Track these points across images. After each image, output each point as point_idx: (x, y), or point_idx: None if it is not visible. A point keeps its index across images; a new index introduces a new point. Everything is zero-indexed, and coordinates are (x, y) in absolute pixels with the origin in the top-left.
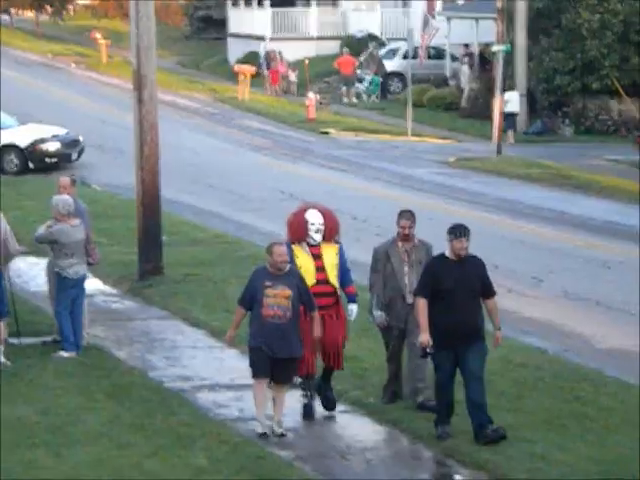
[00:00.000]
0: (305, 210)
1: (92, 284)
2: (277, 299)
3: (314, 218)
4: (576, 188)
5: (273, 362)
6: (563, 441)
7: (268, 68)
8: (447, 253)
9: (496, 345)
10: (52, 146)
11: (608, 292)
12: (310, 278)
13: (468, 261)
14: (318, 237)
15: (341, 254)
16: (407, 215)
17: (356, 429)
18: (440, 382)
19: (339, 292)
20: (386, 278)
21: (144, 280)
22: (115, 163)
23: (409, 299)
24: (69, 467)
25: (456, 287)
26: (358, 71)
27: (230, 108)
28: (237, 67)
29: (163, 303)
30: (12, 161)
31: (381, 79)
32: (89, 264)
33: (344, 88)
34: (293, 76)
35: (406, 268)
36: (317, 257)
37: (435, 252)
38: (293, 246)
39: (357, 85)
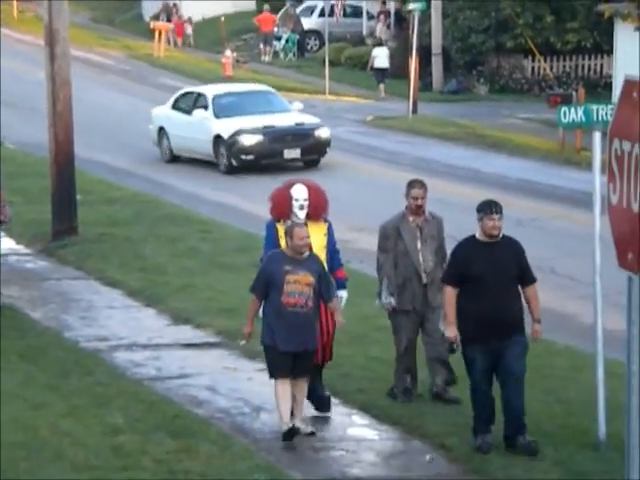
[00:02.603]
0: (290, 186)
1: (5, 243)
2: (298, 286)
3: (298, 193)
4: (490, 147)
5: (292, 357)
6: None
7: (168, 20)
8: (477, 234)
9: (534, 338)
10: None
11: None
12: None
13: (502, 243)
14: (302, 214)
15: (330, 234)
16: (419, 184)
17: (273, 386)
18: (475, 382)
19: None
20: (397, 257)
21: (58, 240)
22: (29, 121)
23: (425, 278)
24: None
25: (488, 272)
26: (276, 29)
27: (145, 65)
28: (153, 24)
29: (78, 263)
30: None
31: (298, 37)
32: None
33: (262, 46)
34: (189, 29)
35: (419, 244)
36: None
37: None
38: (277, 225)
39: (274, 43)
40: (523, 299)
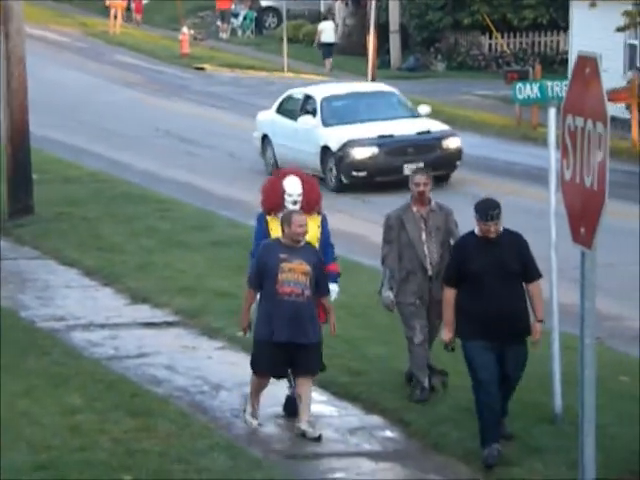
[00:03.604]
0: (283, 177)
1: None
2: (294, 274)
3: (292, 188)
4: (447, 123)
5: (289, 352)
6: None
7: None
8: (477, 231)
9: (535, 340)
10: None
11: None
12: None
13: (503, 238)
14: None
15: (323, 226)
16: (422, 171)
17: (232, 364)
18: (479, 383)
19: None
20: (402, 249)
21: (14, 219)
22: None
23: (430, 271)
24: None
25: (487, 269)
26: (233, 6)
27: (102, 43)
28: (109, 1)
29: (34, 242)
30: None
31: (256, 14)
32: None
33: (220, 23)
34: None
35: (424, 235)
36: None
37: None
38: (268, 218)
39: (232, 20)
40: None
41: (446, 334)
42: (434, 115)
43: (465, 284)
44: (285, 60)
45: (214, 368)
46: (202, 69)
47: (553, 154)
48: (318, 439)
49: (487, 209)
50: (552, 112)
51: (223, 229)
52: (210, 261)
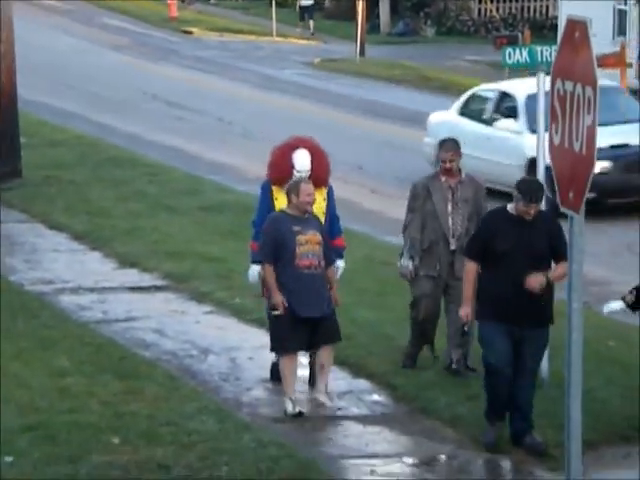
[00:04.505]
0: (293, 148)
1: None
2: (310, 246)
3: (301, 164)
4: (437, 89)
5: (311, 325)
6: None
7: None
8: (509, 207)
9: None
10: None
11: None
12: None
13: (535, 218)
14: None
15: (330, 197)
16: (448, 145)
17: (221, 328)
18: (490, 366)
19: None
20: (425, 219)
21: (2, 183)
22: None
23: (453, 244)
24: None
25: (514, 249)
26: None
27: (90, 6)
28: None
29: (22, 206)
30: None
31: None
32: None
33: None
34: None
35: (450, 207)
36: None
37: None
38: (274, 187)
39: None
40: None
41: (465, 309)
42: (423, 79)
43: (488, 262)
44: (274, 24)
45: (202, 332)
46: (190, 33)
47: (542, 119)
48: (337, 410)
49: (531, 190)
50: (541, 77)
51: (212, 194)
52: (199, 226)
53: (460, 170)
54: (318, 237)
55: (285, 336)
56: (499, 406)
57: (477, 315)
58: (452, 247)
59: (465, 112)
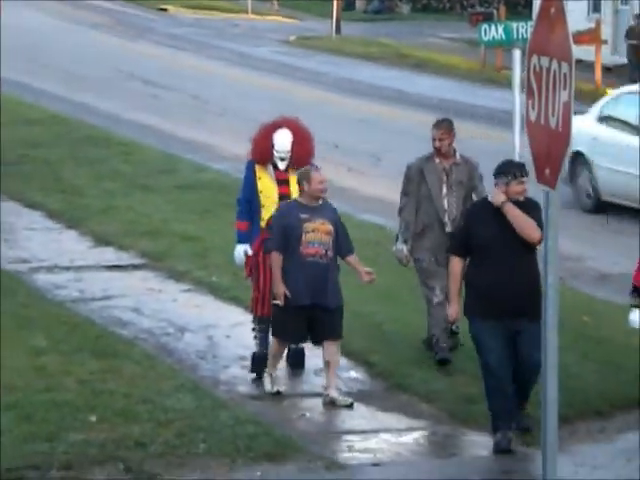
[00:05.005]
0: (275, 128)
1: None
2: (318, 234)
3: (280, 144)
4: (414, 67)
5: (311, 316)
6: (400, 313)
7: None
8: (490, 197)
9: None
10: None
11: None
12: (271, 207)
13: (520, 206)
14: (282, 165)
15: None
16: (440, 125)
17: (198, 307)
18: (489, 368)
19: None
20: (420, 201)
21: None
22: None
23: (448, 227)
24: None
25: (500, 238)
26: None
27: None
28: None
29: None
30: None
31: None
32: None
33: None
34: None
35: (445, 189)
36: (282, 183)
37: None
38: (257, 166)
39: None
40: None
41: (452, 309)
42: (399, 57)
43: (473, 255)
44: (249, 1)
45: (179, 311)
46: (165, 10)
47: (518, 96)
48: (350, 406)
49: (513, 166)
50: (517, 54)
51: (188, 173)
52: (175, 204)
53: (455, 152)
54: (328, 227)
55: (285, 326)
56: (502, 409)
57: (465, 311)
58: (447, 229)
59: (604, 117)
